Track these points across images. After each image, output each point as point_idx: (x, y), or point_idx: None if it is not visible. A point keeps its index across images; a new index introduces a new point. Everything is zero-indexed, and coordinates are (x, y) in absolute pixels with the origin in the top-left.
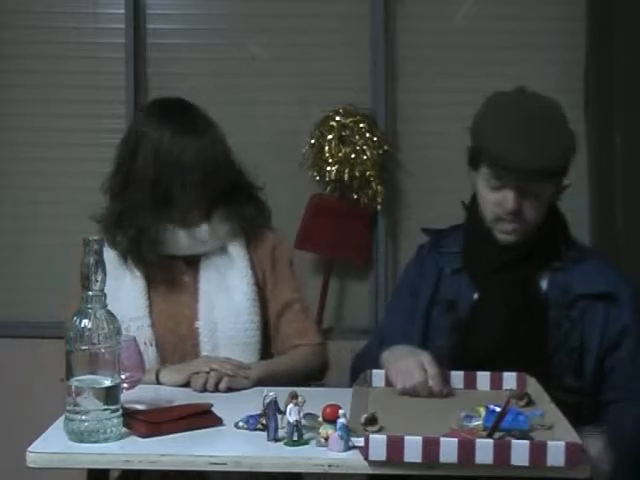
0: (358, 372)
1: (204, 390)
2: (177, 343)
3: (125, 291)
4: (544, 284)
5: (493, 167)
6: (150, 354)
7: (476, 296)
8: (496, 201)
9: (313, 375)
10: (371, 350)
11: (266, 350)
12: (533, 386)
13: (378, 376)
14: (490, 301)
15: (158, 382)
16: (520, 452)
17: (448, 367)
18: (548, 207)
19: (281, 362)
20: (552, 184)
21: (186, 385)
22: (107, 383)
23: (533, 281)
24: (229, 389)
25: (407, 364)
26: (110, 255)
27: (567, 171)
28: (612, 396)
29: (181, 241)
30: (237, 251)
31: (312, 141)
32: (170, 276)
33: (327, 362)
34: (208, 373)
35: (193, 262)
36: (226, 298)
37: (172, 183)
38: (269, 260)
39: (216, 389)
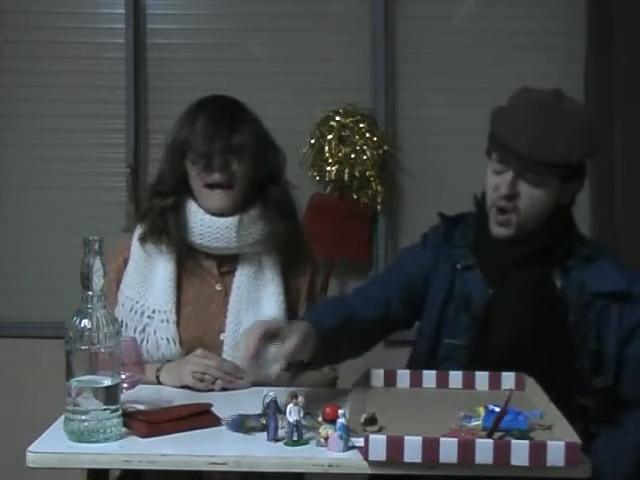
0: None
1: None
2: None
3: (156, 283)
4: (558, 282)
5: (499, 150)
6: (174, 351)
7: (491, 293)
8: (495, 184)
9: None
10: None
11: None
12: (532, 386)
13: (377, 376)
14: (507, 298)
15: (158, 381)
16: (520, 452)
17: (463, 367)
18: (556, 208)
19: None
20: (555, 179)
21: (185, 386)
22: (107, 383)
23: (549, 278)
24: (224, 388)
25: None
26: (143, 251)
27: (574, 172)
28: (624, 391)
29: (210, 231)
30: (272, 272)
31: (312, 141)
32: (202, 284)
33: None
34: (204, 374)
35: (227, 273)
36: (254, 318)
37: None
38: (306, 291)
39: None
